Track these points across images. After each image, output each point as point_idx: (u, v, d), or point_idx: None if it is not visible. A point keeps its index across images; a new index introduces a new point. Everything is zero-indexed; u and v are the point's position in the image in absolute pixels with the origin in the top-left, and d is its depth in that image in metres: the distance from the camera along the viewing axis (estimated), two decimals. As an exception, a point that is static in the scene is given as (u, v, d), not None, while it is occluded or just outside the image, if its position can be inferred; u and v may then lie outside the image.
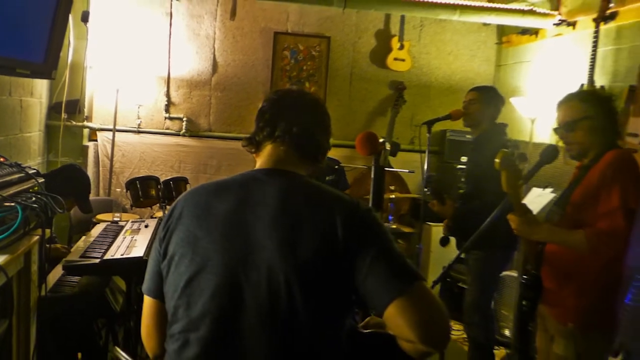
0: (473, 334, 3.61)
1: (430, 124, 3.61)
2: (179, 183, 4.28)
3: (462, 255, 2.84)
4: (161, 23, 5.34)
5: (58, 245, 3.38)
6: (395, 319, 1.28)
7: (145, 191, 4.14)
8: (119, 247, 2.90)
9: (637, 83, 3.60)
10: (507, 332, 4.52)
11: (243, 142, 1.62)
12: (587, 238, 2.25)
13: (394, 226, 5.21)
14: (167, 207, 3.90)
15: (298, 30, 5.56)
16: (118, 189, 5.25)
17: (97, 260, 2.72)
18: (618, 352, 3.36)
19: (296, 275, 1.32)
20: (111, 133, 5.24)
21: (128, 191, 4.20)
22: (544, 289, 2.47)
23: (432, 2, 4.79)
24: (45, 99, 4.91)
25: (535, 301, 2.52)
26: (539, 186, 3.66)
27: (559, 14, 4.75)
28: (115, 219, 3.79)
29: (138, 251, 2.79)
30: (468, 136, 5.26)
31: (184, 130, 5.45)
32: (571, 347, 2.34)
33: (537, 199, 3.65)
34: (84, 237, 3.25)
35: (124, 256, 2.75)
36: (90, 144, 5.30)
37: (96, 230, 3.38)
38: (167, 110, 5.42)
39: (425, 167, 3.66)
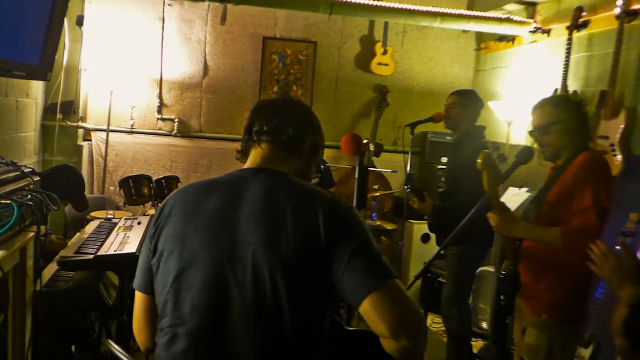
0: (451, 327, 3.63)
1: (413, 125, 3.62)
2: (171, 182, 4.26)
3: (442, 252, 2.85)
4: (154, 27, 5.30)
5: (52, 237, 3.34)
6: (370, 313, 1.29)
7: (138, 189, 4.11)
8: (112, 243, 2.89)
9: (608, 88, 3.64)
10: (484, 325, 4.56)
11: (236, 155, 1.64)
12: (562, 235, 2.27)
13: (377, 223, 5.23)
14: (159, 204, 3.89)
15: (286, 35, 5.55)
16: (112, 187, 5.21)
17: (91, 256, 2.70)
18: (589, 344, 3.40)
19: (280, 270, 1.32)
20: (105, 133, 5.20)
21: (121, 189, 4.17)
22: (521, 283, 2.49)
23: (414, 10, 4.81)
24: (40, 100, 4.87)
25: (514, 296, 2.54)
26: (515, 186, 3.69)
27: (534, 22, 4.78)
28: (109, 216, 3.77)
29: (131, 247, 2.78)
30: (448, 138, 5.29)
31: (175, 131, 5.42)
32: (544, 338, 2.37)
33: (514, 197, 3.68)
34: (78, 234, 3.23)
35: (117, 252, 2.74)
36: (85, 144, 5.26)
37: (90, 227, 3.36)
38: (159, 112, 5.39)
39: (408, 167, 3.68)
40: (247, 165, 1.56)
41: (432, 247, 4.98)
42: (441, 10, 4.89)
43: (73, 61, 4.98)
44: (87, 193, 4.51)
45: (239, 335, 1.35)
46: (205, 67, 5.46)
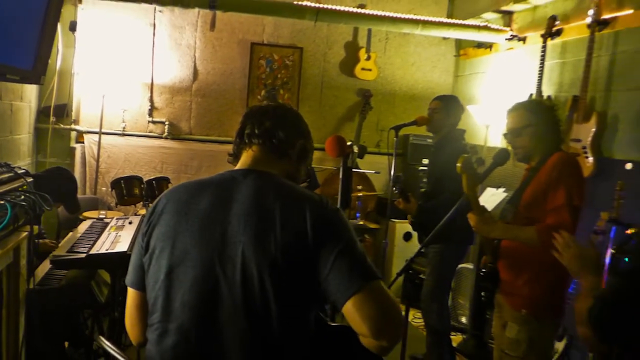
0: (430, 321, 3.64)
1: (398, 128, 3.64)
2: (161, 182, 4.24)
3: (423, 250, 2.87)
4: (145, 33, 5.27)
5: (47, 241, 3.32)
6: (352, 313, 1.29)
7: (129, 190, 4.09)
8: (104, 242, 2.87)
9: (580, 93, 3.68)
10: (463, 319, 4.59)
11: (228, 158, 1.64)
12: (538, 233, 2.30)
13: (361, 222, 5.24)
14: (150, 204, 3.87)
15: (273, 41, 5.55)
16: (104, 188, 5.17)
17: (84, 255, 2.68)
18: (562, 337, 3.44)
19: (268, 269, 1.32)
20: (97, 135, 5.16)
21: (113, 190, 4.15)
22: (501, 280, 2.52)
23: (396, 17, 4.84)
24: (34, 103, 4.82)
25: (493, 292, 2.56)
26: (492, 186, 3.73)
27: (511, 30, 4.83)
28: (101, 216, 3.74)
29: (122, 246, 2.76)
30: (429, 140, 5.32)
31: (166, 133, 5.39)
32: (524, 332, 2.38)
33: (491, 197, 3.72)
34: (71, 234, 3.20)
35: (109, 251, 2.72)
36: (78, 146, 5.22)
37: (83, 227, 3.33)
38: (150, 115, 5.36)
39: (393, 168, 3.69)
40: (238, 166, 1.56)
41: (414, 245, 5.00)
42: (422, 18, 4.92)
43: (66, 66, 4.95)
44: (79, 194, 4.49)
45: (227, 331, 1.35)
46: (195, 72, 5.44)
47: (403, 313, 2.50)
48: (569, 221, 2.28)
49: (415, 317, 4.66)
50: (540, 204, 2.36)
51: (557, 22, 4.06)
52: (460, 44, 5.79)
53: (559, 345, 3.36)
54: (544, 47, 4.10)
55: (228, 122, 5.50)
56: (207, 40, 5.42)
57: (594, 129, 3.60)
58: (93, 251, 2.73)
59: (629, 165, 3.23)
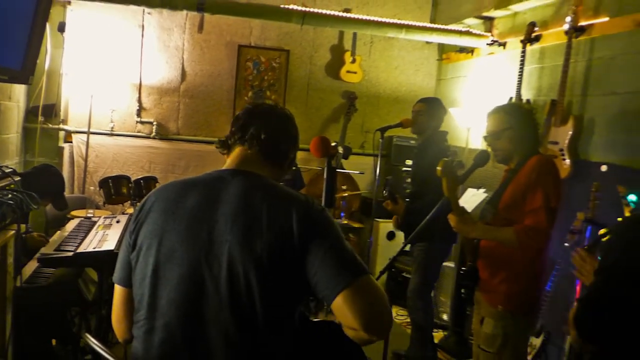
0: (416, 318, 3.67)
1: (383, 130, 3.66)
2: (149, 182, 4.21)
3: (407, 248, 2.88)
4: (134, 34, 5.23)
5: (35, 234, 3.27)
6: (342, 308, 1.28)
7: (117, 189, 4.05)
8: (92, 240, 2.84)
9: (558, 97, 3.72)
10: (445, 317, 4.62)
11: (216, 144, 1.62)
12: (516, 234, 2.32)
13: (345, 222, 5.26)
14: (138, 203, 3.84)
15: (260, 44, 5.54)
16: (92, 187, 5.12)
17: (71, 253, 2.66)
18: (540, 333, 3.48)
19: (254, 267, 1.32)
20: (86, 135, 5.11)
21: (101, 189, 4.10)
22: (480, 278, 2.54)
23: (381, 22, 4.85)
24: (23, 103, 4.76)
25: (473, 289, 2.58)
26: (473, 187, 3.76)
27: (492, 35, 4.86)
28: (89, 215, 3.71)
29: (109, 245, 2.74)
30: (412, 142, 5.35)
31: (154, 133, 5.35)
32: (499, 327, 2.41)
33: (472, 198, 3.74)
34: (59, 232, 3.17)
35: (96, 249, 2.69)
36: (66, 145, 5.16)
37: (70, 225, 3.30)
38: (138, 115, 5.32)
39: (378, 169, 3.71)
40: (226, 165, 1.56)
41: (397, 244, 5.03)
42: (406, 22, 4.94)
43: (55, 66, 4.89)
44: (67, 193, 4.44)
45: (213, 329, 1.34)
46: (183, 73, 5.41)
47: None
48: (545, 223, 2.31)
49: (398, 314, 4.68)
50: (519, 205, 2.38)
51: (536, 29, 4.11)
52: (442, 48, 5.82)
53: (537, 341, 3.39)
54: (524, 52, 4.14)
55: (215, 123, 5.48)
56: (195, 42, 5.39)
57: (571, 132, 3.64)
58: (80, 249, 2.71)
59: (604, 167, 3.28)
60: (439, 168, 2.29)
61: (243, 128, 1.56)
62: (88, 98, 5.02)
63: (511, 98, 4.20)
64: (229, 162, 1.56)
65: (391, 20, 4.92)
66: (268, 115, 1.59)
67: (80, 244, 2.81)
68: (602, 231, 1.92)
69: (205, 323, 1.35)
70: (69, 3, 4.97)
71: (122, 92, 5.25)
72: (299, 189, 4.10)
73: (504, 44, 4.67)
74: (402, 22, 4.94)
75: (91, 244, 2.78)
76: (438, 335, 4.33)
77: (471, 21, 5.06)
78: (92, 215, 3.67)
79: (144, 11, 5.18)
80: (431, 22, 5.62)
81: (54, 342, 2.88)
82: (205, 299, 1.35)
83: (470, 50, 5.19)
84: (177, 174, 5.38)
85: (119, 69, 5.18)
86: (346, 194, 5.32)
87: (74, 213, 4.14)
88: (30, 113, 4.92)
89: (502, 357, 2.40)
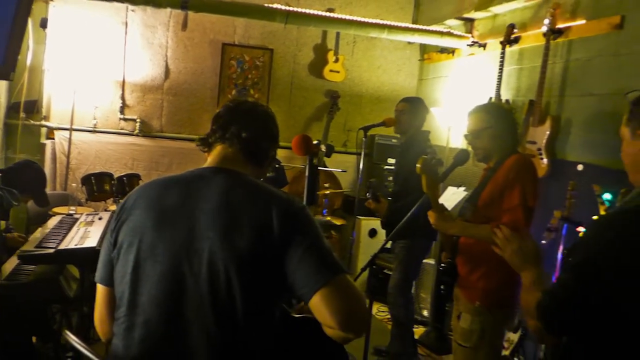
0: (397, 314, 3.68)
1: (366, 129, 3.66)
2: (132, 179, 4.17)
3: (388, 245, 2.88)
4: (117, 31, 5.17)
5: (15, 235, 3.22)
6: (319, 306, 1.28)
7: (99, 186, 4.01)
8: (73, 237, 2.80)
9: (536, 98, 3.76)
10: (425, 313, 4.64)
11: (197, 141, 1.60)
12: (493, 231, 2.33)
13: (327, 219, 5.25)
14: (121, 200, 3.80)
15: (244, 42, 5.51)
16: (74, 184, 5.05)
17: (52, 250, 2.61)
18: (518, 328, 3.51)
19: (234, 264, 1.31)
20: (68, 132, 5.03)
21: (83, 186, 4.06)
22: (459, 274, 2.55)
23: (364, 22, 4.85)
24: (4, 99, 4.69)
25: (452, 285, 2.60)
26: (453, 185, 3.78)
27: (472, 36, 4.90)
28: (71, 212, 3.65)
29: (91, 242, 2.70)
30: (394, 140, 5.36)
31: (137, 131, 5.29)
32: (476, 323, 2.42)
33: (452, 196, 3.76)
34: (40, 229, 3.12)
35: (78, 246, 2.65)
36: (48, 142, 5.08)
37: (52, 222, 3.24)
38: (121, 112, 5.25)
39: (361, 167, 3.71)
40: (207, 163, 1.54)
41: (379, 241, 5.04)
42: (389, 23, 4.95)
43: (37, 62, 4.82)
44: (49, 190, 4.37)
45: (193, 325, 1.33)
46: (167, 71, 5.36)
47: (367, 306, 2.51)
48: (523, 221, 2.33)
49: (379, 311, 4.69)
50: (497, 203, 2.40)
51: (515, 30, 4.14)
52: (424, 49, 5.84)
53: (514, 337, 3.43)
54: (503, 53, 4.18)
55: (199, 121, 5.43)
56: (179, 40, 5.34)
57: (548, 132, 3.68)
58: (62, 246, 2.66)
59: (580, 167, 3.32)
60: (418, 165, 2.31)
61: (224, 127, 1.54)
62: (71, 94, 4.94)
63: (491, 98, 4.23)
64: (210, 160, 1.54)
65: (374, 21, 4.92)
66: (249, 114, 1.58)
67: (61, 240, 2.77)
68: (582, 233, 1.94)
69: (186, 320, 1.33)
70: (52, -1, 4.89)
71: (105, 89, 5.18)
72: (282, 187, 4.08)
73: (484, 45, 4.70)
74: (385, 22, 4.95)
75: (73, 240, 2.74)
76: (418, 331, 4.35)
77: (452, 22, 5.09)
78: (74, 212, 3.61)
79: (127, 8, 5.11)
80: (413, 22, 5.64)
81: (34, 339, 2.84)
82: (186, 295, 1.34)
83: (451, 51, 5.22)
84: (160, 172, 5.33)
85: (102, 66, 5.11)
86: (329, 192, 5.31)
87: (56, 210, 4.08)
88: (12, 109, 4.84)
89: (478, 352, 2.42)
